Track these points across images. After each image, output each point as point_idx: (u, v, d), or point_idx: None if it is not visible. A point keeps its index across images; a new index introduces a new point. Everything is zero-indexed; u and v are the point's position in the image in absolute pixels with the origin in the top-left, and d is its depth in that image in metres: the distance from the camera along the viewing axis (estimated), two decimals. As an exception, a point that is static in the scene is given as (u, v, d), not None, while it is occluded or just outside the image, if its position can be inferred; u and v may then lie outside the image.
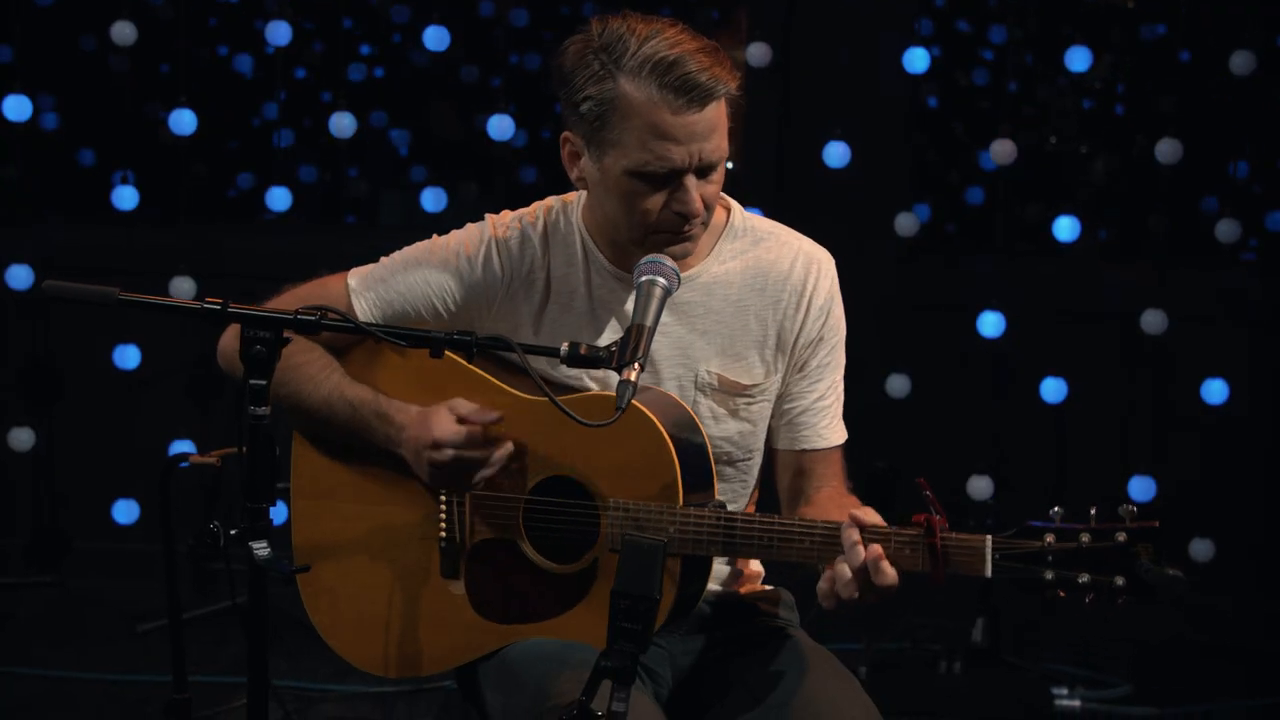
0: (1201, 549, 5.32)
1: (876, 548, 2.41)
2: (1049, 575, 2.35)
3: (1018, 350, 5.47)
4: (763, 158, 5.65)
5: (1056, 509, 2.37)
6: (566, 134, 2.62)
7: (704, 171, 2.57)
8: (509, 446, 2.64)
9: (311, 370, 2.74)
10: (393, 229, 6.51)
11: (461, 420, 2.64)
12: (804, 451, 2.78)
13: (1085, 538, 2.34)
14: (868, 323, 5.40)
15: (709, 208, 2.61)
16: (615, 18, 2.56)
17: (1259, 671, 5.31)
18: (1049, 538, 2.35)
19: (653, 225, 2.58)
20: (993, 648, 5.13)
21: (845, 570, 2.43)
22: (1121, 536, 2.33)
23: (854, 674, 2.70)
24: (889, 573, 2.41)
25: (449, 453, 2.63)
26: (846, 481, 2.79)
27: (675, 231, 2.59)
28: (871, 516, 2.45)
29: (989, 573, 2.37)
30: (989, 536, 2.38)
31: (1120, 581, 2.33)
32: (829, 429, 2.78)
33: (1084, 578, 2.34)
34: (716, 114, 2.54)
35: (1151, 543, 2.33)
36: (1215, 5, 6.24)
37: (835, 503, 2.69)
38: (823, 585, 2.47)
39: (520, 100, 5.57)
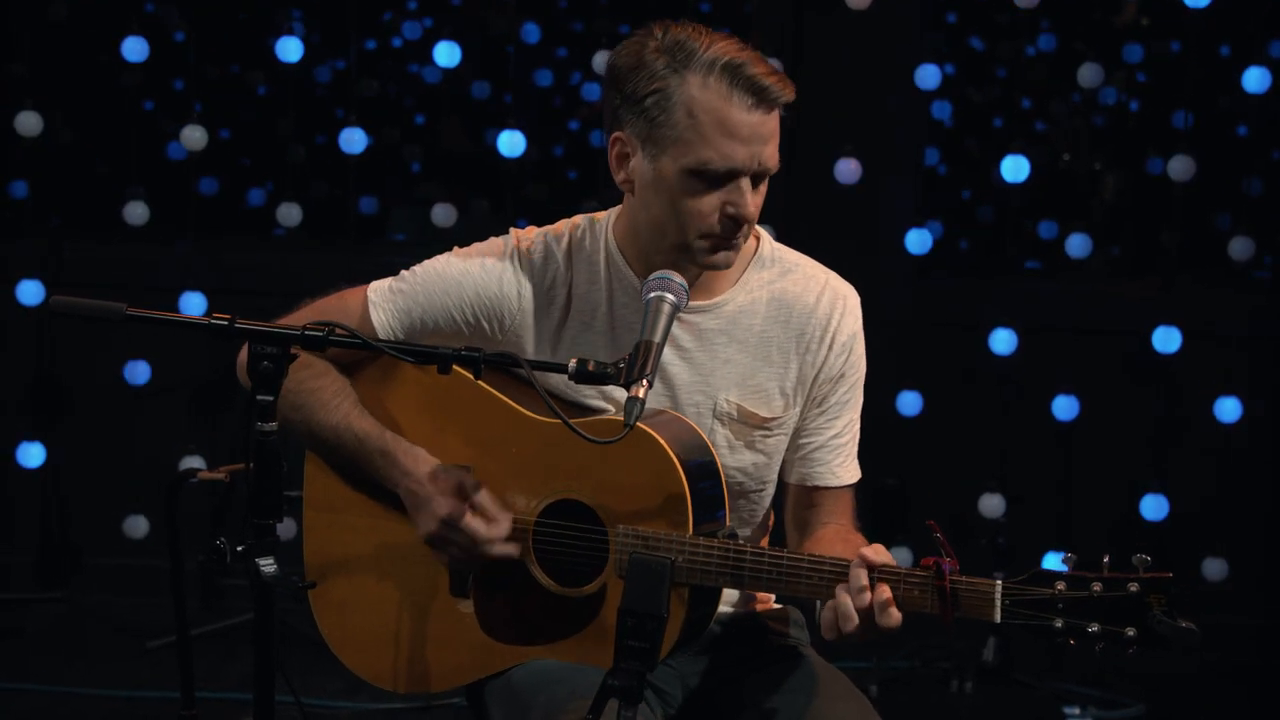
0: (1215, 568, 5.29)
1: (885, 590, 2.40)
2: (1059, 623, 2.32)
3: (1029, 367, 5.45)
4: (773, 175, 5.64)
5: (1068, 554, 2.34)
6: (618, 134, 2.61)
7: (757, 180, 2.57)
8: (512, 549, 2.62)
9: (324, 396, 2.72)
10: (403, 245, 6.52)
11: (474, 507, 2.62)
12: (815, 488, 2.76)
13: (1097, 586, 2.31)
14: (879, 340, 5.37)
15: (754, 221, 2.61)
16: (675, 24, 2.58)
17: (1272, 692, 5.28)
18: (1060, 585, 2.32)
19: (703, 229, 2.57)
20: (1004, 667, 5.11)
21: (849, 605, 2.41)
22: (1134, 586, 2.30)
23: (865, 693, 2.68)
24: (895, 615, 2.40)
25: (450, 535, 2.62)
26: (855, 521, 2.77)
27: (726, 237, 2.58)
28: (881, 556, 2.43)
29: (998, 618, 2.35)
30: (999, 582, 2.35)
31: (1131, 632, 2.30)
32: (842, 467, 2.77)
33: (1094, 627, 2.31)
34: (775, 123, 2.57)
35: (1164, 593, 2.29)
36: (1230, 22, 6.23)
37: (841, 538, 2.67)
38: (826, 615, 2.45)
39: (531, 116, 5.58)
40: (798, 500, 2.78)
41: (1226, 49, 6.59)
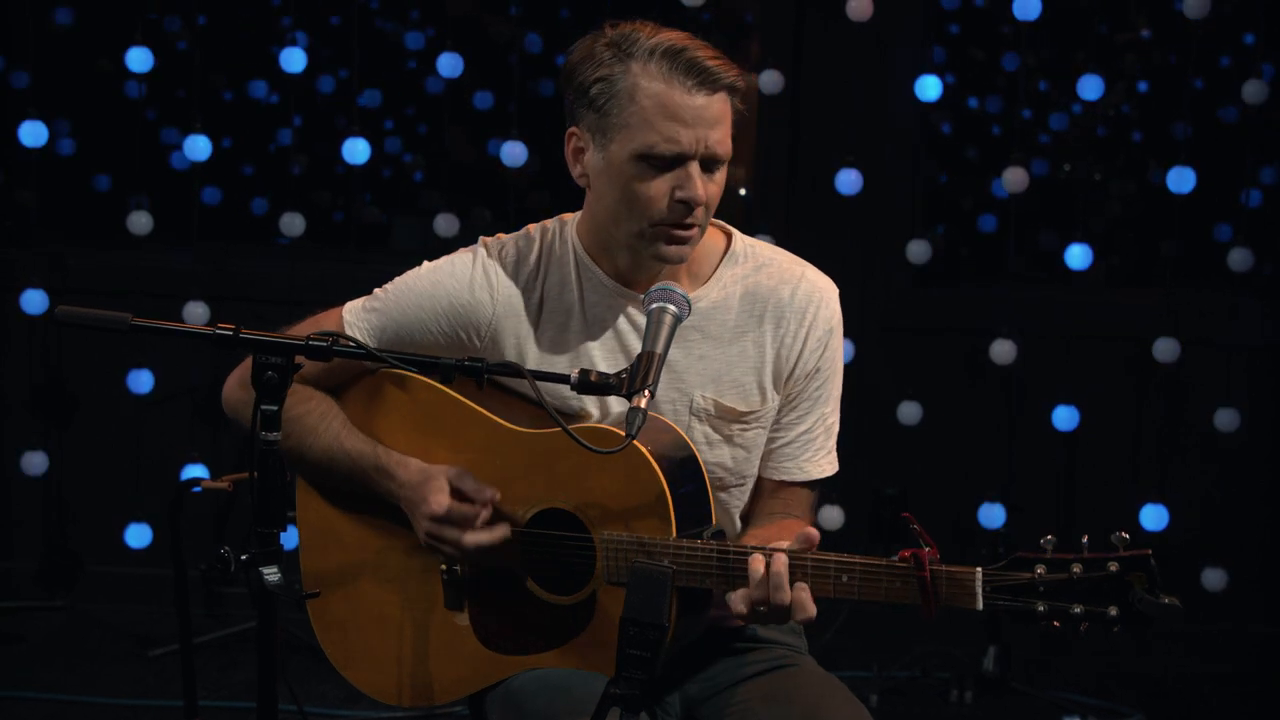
0: (1214, 577, 5.30)
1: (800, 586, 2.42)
2: (1041, 607, 2.32)
3: (1030, 377, 5.47)
4: (774, 185, 5.66)
5: (1049, 538, 2.34)
6: (572, 129, 2.65)
7: (708, 165, 2.58)
8: (504, 530, 2.64)
9: (311, 421, 2.75)
10: (405, 254, 6.52)
11: (456, 492, 2.64)
12: (781, 483, 2.78)
13: (1077, 568, 2.31)
14: (879, 349, 5.42)
15: (709, 209, 2.62)
16: (625, 22, 2.62)
17: (1272, 699, 5.29)
18: (1040, 569, 2.32)
19: (655, 215, 2.58)
20: (1003, 676, 5.12)
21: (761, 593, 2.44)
22: (1114, 566, 2.30)
23: (864, 702, 2.69)
24: (793, 599, 2.41)
25: (443, 529, 2.64)
26: (811, 515, 2.80)
27: (677, 224, 2.59)
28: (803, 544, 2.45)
29: (980, 605, 2.35)
30: (979, 569, 2.35)
31: (1114, 611, 2.30)
32: (810, 462, 2.78)
33: (1077, 609, 2.31)
34: (723, 107, 2.58)
35: (1144, 571, 2.29)
36: (1229, 33, 6.25)
37: (786, 529, 2.67)
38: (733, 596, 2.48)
39: (533, 126, 5.59)
40: (762, 491, 2.80)
41: (1226, 60, 6.60)
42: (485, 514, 2.63)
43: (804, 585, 2.42)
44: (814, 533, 2.46)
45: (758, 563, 2.43)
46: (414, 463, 2.70)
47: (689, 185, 2.56)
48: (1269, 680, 5.39)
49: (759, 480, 2.80)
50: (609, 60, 2.58)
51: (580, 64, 2.61)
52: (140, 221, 5.42)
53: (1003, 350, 5.29)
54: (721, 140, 2.58)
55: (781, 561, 2.42)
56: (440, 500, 2.63)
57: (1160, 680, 5.30)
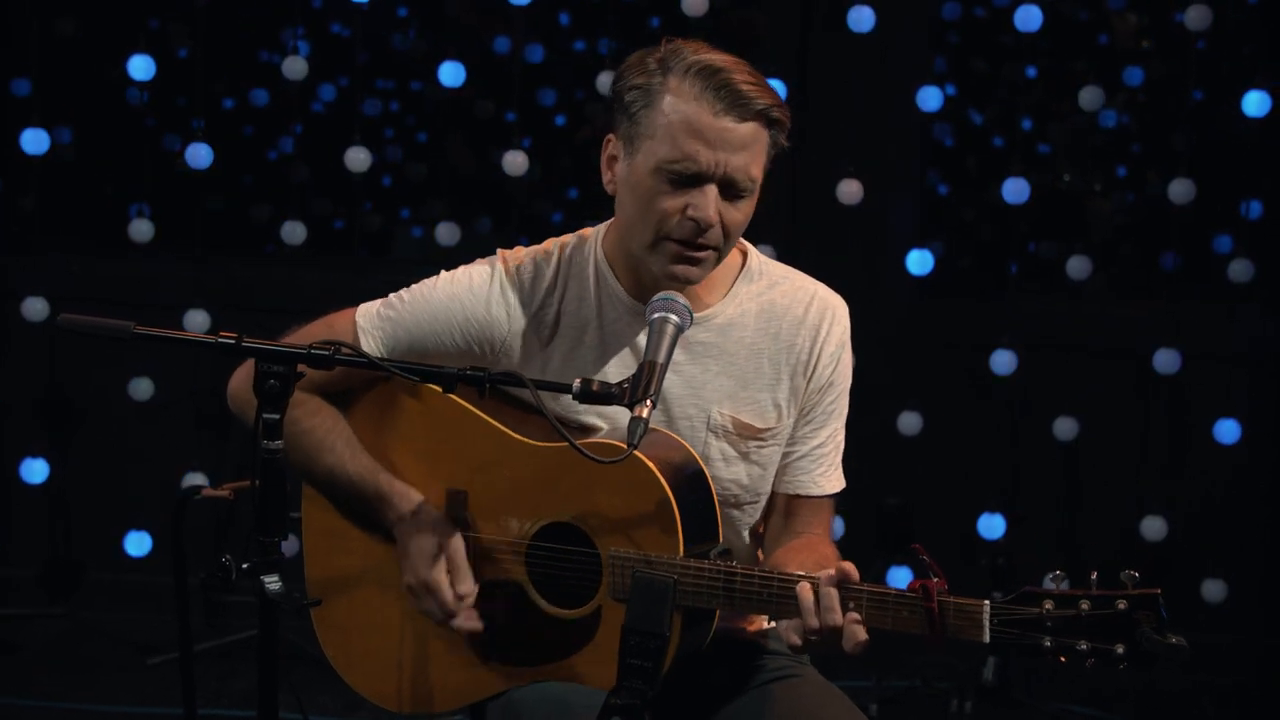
0: (1214, 589, 5.30)
1: (852, 614, 2.41)
2: (1047, 642, 2.32)
3: (1031, 387, 5.46)
4: (776, 195, 5.66)
5: (1057, 572, 2.33)
6: (609, 136, 2.65)
7: (729, 190, 2.57)
8: (477, 626, 2.66)
9: (318, 435, 2.75)
10: (407, 263, 6.53)
11: (442, 546, 2.65)
12: (795, 497, 2.78)
13: (1085, 605, 2.30)
14: (880, 360, 5.41)
15: (729, 236, 2.60)
16: (687, 40, 2.62)
17: (1272, 711, 5.28)
18: (1048, 604, 2.32)
19: (666, 229, 2.57)
20: (1003, 687, 5.12)
21: (814, 622, 2.42)
22: (1122, 604, 2.29)
23: (864, 712, 2.69)
24: (860, 634, 2.40)
25: (423, 596, 2.66)
26: (829, 531, 2.79)
27: (686, 241, 2.57)
28: (855, 574, 2.43)
29: (987, 638, 2.35)
30: (987, 602, 2.35)
31: (1121, 649, 2.29)
32: (824, 477, 2.78)
33: (1083, 645, 2.30)
34: (753, 135, 2.56)
35: (1152, 610, 2.29)
36: (1230, 45, 6.25)
37: (809, 548, 2.67)
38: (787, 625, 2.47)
39: (535, 136, 5.60)
40: (778, 510, 2.80)
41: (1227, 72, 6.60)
42: (464, 605, 2.65)
43: (856, 615, 2.40)
44: (850, 568, 2.43)
45: (806, 591, 2.42)
46: (416, 499, 2.70)
47: (701, 205, 2.55)
48: (1269, 692, 5.39)
49: (771, 496, 2.80)
50: (651, 70, 2.58)
51: (626, 71, 2.62)
52: (142, 229, 5.42)
53: (1003, 361, 5.30)
54: (743, 167, 2.55)
55: (833, 596, 2.40)
56: (432, 570, 2.64)
57: (1160, 692, 5.29)
